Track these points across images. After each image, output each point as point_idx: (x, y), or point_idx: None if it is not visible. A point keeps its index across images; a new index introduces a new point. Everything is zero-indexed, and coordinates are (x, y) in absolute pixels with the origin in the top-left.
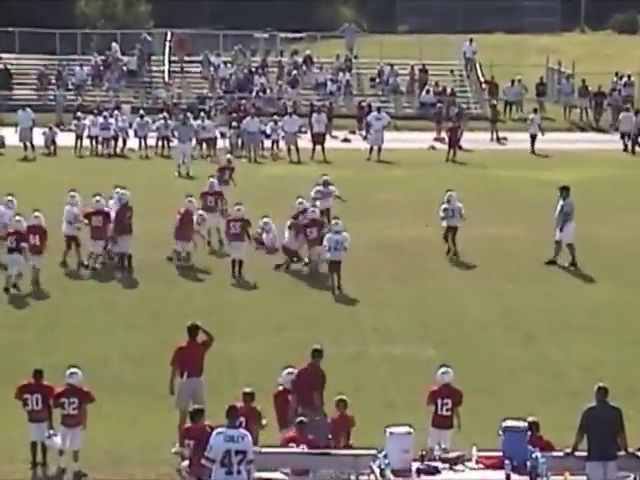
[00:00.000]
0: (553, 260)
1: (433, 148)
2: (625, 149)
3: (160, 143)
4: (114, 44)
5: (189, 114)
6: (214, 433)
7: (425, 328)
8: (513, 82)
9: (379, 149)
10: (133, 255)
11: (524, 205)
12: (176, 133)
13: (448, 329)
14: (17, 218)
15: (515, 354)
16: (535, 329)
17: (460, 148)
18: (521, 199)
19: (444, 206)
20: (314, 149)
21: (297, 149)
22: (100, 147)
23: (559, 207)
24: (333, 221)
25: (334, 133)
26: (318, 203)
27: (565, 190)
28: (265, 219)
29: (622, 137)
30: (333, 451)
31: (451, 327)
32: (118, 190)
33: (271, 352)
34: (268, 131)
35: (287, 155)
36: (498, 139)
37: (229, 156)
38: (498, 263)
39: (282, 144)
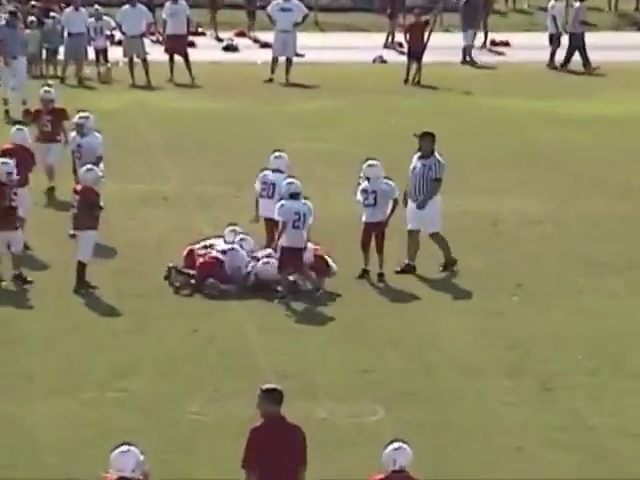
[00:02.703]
0: (409, 266)
1: (382, 61)
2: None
3: None
4: None
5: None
6: None
7: (371, 374)
8: None
9: (288, 62)
10: None
11: (539, 162)
12: None
13: (412, 377)
14: None
15: (531, 414)
16: (560, 377)
17: (419, 60)
18: (535, 152)
19: (363, 186)
20: (172, 63)
21: (145, 64)
22: None
23: (417, 169)
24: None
25: (213, 34)
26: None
27: (427, 139)
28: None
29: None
30: None
31: (417, 374)
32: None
33: None
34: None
35: (129, 74)
36: (492, 44)
37: (45, 91)
38: (497, 259)
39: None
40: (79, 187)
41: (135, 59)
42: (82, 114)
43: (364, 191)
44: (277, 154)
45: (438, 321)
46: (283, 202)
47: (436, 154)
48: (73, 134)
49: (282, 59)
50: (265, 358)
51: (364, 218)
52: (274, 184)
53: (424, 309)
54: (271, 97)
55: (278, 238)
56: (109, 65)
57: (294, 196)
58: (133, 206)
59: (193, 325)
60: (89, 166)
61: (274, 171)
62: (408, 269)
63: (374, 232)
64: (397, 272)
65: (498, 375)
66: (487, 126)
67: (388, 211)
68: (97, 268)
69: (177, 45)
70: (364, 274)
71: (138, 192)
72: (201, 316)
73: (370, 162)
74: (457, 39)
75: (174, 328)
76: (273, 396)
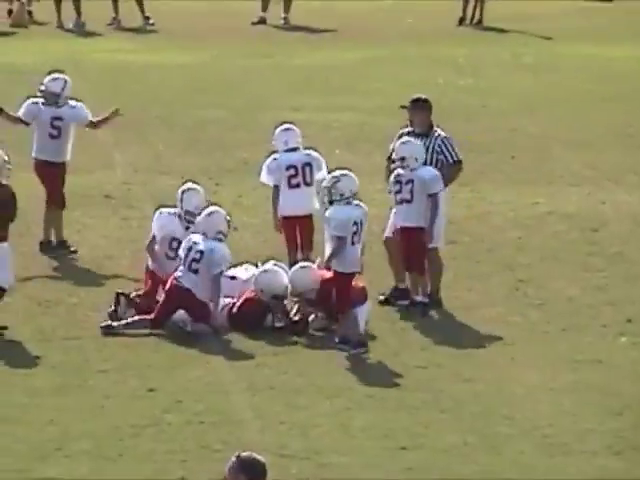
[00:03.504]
0: (398, 290)
1: None
2: None
3: None
4: None
5: None
6: None
7: (412, 453)
8: None
9: None
10: None
11: None
12: None
13: (471, 456)
14: None
15: None
16: None
17: None
18: None
19: (396, 172)
20: None
21: None
22: None
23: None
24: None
25: None
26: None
27: (421, 109)
28: None
29: None
30: None
31: (478, 451)
32: None
33: None
34: None
35: (56, 16)
36: None
37: None
38: (597, 282)
39: None
40: None
41: None
42: (57, 76)
43: (397, 182)
44: (286, 126)
45: (508, 374)
46: (334, 209)
47: (437, 129)
48: (32, 103)
49: None
50: (256, 429)
51: (395, 220)
52: (308, 164)
53: (488, 356)
54: (263, 46)
55: (329, 260)
56: (24, 0)
57: (347, 198)
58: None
59: (149, 383)
60: None
61: (288, 151)
62: (397, 295)
63: (409, 242)
64: (381, 302)
65: (598, 454)
66: (582, 87)
67: (421, 215)
68: (9, 299)
69: None
70: (397, 295)
71: (70, 187)
72: (161, 370)
73: (407, 138)
74: None
75: (121, 387)
76: (253, 470)
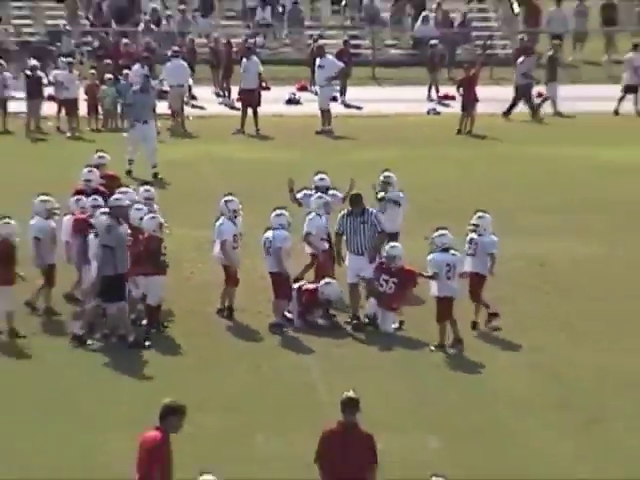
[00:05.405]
0: (356, 317)
1: (436, 112)
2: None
3: None
4: None
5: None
6: None
7: (428, 407)
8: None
9: (321, 113)
10: None
11: (608, 210)
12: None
13: (466, 412)
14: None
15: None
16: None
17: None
18: (603, 201)
19: (472, 235)
20: (244, 115)
21: (181, 115)
22: None
23: (356, 226)
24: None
25: (274, 89)
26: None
27: (358, 200)
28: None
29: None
30: None
31: (472, 409)
32: None
33: None
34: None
35: (196, 128)
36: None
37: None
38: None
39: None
40: (145, 235)
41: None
42: (323, 175)
43: (471, 241)
44: (388, 174)
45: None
46: (434, 256)
47: (368, 207)
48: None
49: (326, 111)
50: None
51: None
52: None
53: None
54: (326, 146)
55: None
56: (180, 119)
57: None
58: (203, 250)
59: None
60: (152, 215)
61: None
62: (357, 324)
63: (476, 286)
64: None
65: (552, 410)
66: (546, 184)
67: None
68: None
69: (250, 97)
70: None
71: (207, 237)
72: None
73: (481, 213)
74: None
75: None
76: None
